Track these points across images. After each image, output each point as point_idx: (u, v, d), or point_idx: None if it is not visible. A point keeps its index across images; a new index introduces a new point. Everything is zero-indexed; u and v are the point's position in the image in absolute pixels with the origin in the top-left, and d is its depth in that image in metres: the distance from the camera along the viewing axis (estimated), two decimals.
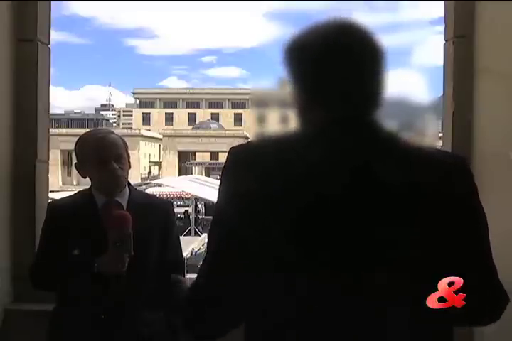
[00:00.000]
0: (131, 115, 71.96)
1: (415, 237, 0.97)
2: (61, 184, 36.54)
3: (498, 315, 1.07)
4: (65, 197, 2.12)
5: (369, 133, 1.02)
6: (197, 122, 58.74)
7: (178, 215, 24.77)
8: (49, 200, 2.54)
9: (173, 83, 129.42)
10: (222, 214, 1.02)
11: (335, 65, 1.00)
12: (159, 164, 50.57)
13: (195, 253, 17.03)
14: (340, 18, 1.04)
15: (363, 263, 0.97)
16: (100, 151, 1.89)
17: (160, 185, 25.41)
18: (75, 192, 2.14)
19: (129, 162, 1.98)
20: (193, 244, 17.88)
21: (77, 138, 2.01)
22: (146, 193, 2.90)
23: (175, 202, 25.24)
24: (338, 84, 1.01)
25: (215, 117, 62.33)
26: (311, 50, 1.02)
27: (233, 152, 1.03)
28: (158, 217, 2.00)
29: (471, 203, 1.04)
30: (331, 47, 1.01)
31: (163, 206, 2.12)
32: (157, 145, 51.45)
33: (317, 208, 0.96)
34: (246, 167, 1.00)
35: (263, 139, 1.10)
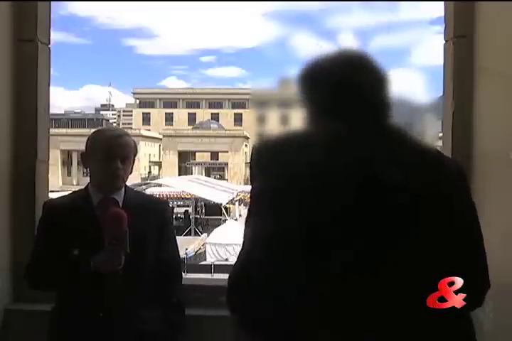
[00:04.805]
0: (131, 115, 71.98)
1: (420, 237, 1.07)
2: (61, 184, 36.50)
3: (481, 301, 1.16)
4: (60, 196, 2.12)
5: (373, 134, 1.16)
6: (197, 122, 58.72)
7: (178, 215, 24.79)
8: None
9: (173, 83, 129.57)
10: (257, 205, 1.14)
11: (345, 88, 1.20)
12: (159, 164, 50.57)
13: (193, 253, 17.04)
14: (346, 49, 1.28)
15: (374, 264, 1.05)
16: (110, 149, 1.91)
17: (160, 185, 25.44)
18: (71, 192, 2.15)
19: (132, 168, 2.00)
20: (193, 244, 17.89)
21: (93, 131, 2.05)
22: (142, 192, 2.92)
23: (175, 202, 25.32)
24: (348, 102, 1.19)
25: (215, 117, 62.32)
26: (324, 78, 1.23)
27: (256, 149, 1.18)
28: (154, 215, 2.01)
29: (466, 202, 1.16)
30: (342, 75, 1.21)
31: (159, 204, 2.13)
32: (157, 145, 51.44)
33: (328, 209, 1.05)
34: (269, 161, 1.14)
35: (281, 136, 1.22)
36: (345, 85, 1.21)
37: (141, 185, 25.96)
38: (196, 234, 22.13)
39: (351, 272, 1.04)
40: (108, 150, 1.91)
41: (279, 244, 1.06)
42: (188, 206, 25.79)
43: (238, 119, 62.58)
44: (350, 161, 1.09)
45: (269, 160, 1.15)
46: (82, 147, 2.01)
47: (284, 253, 1.06)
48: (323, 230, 1.05)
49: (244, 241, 1.15)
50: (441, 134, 2.48)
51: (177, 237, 2.18)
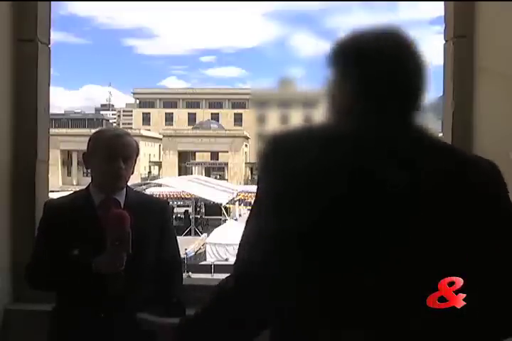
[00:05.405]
0: (131, 115, 71.99)
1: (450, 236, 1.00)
2: (61, 184, 36.51)
3: None
4: (61, 196, 2.12)
5: (405, 125, 1.08)
6: (197, 122, 58.74)
7: (178, 215, 24.78)
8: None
9: (173, 83, 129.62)
10: (263, 203, 1.06)
11: (382, 67, 1.07)
12: (159, 164, 50.57)
13: (193, 253, 17.05)
14: (387, 26, 1.12)
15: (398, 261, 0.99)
16: (112, 149, 1.91)
17: (160, 185, 25.44)
18: (72, 192, 2.15)
19: (133, 168, 1.99)
20: (193, 244, 17.89)
21: (95, 131, 2.05)
22: (142, 192, 2.93)
23: (175, 202, 25.31)
24: (384, 85, 1.08)
25: (215, 117, 62.32)
26: (363, 54, 1.09)
27: (271, 141, 1.07)
28: (155, 215, 2.01)
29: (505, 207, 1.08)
30: (380, 53, 1.08)
31: (159, 204, 2.14)
32: (157, 145, 51.45)
33: (354, 200, 0.98)
34: (285, 155, 1.04)
35: (299, 129, 1.12)
36: (388, 69, 1.07)
37: (141, 185, 25.96)
38: (196, 234, 22.11)
39: (379, 273, 1.00)
40: (110, 150, 1.91)
41: (299, 243, 1.00)
42: (188, 206, 25.78)
43: (238, 119, 62.60)
44: (377, 161, 1.01)
45: (288, 158, 1.03)
46: (82, 147, 2.01)
47: (299, 254, 1.00)
48: (351, 231, 0.99)
49: (250, 242, 1.08)
50: (441, 134, 2.48)
51: (177, 237, 2.19)
